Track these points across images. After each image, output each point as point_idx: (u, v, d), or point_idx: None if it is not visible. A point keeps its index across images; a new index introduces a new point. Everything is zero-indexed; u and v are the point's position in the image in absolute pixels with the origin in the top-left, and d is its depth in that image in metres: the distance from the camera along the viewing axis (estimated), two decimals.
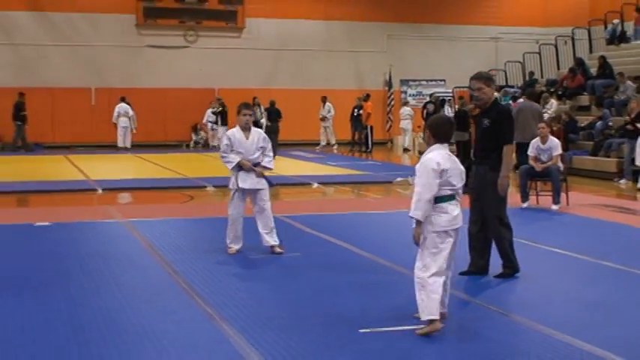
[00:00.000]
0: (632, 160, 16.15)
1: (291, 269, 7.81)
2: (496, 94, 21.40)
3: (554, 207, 12.04)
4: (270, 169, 8.47)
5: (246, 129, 8.41)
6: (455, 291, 6.31)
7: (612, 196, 14.37)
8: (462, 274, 7.21)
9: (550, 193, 12.27)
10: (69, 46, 27.56)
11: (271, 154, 8.56)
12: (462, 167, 5.72)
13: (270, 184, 8.56)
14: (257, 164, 8.36)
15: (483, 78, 7.35)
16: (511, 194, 13.43)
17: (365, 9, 30.08)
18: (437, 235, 5.54)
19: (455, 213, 5.60)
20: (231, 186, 8.43)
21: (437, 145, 5.70)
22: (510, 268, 7.40)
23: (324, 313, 6.10)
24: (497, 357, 5.09)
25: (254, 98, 26.43)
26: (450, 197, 5.60)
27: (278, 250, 8.37)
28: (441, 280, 5.51)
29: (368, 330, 5.56)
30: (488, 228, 7.33)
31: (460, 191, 5.71)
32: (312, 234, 9.82)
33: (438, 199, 5.56)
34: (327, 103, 28.28)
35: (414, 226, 5.55)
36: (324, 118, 28.47)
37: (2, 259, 8.30)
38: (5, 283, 7.12)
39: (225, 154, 8.37)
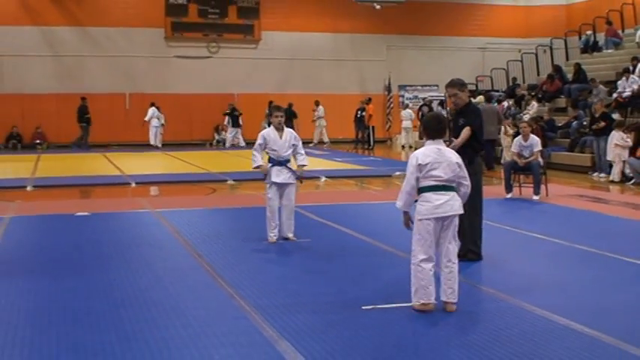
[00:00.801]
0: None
1: (303, 253, 7.81)
2: (481, 97, 21.39)
3: (535, 197, 11.99)
4: (305, 165, 8.39)
5: (279, 129, 8.30)
6: None
7: (587, 188, 14.29)
8: None
9: (531, 185, 12.22)
10: (105, 56, 27.54)
11: (303, 151, 8.44)
12: (452, 159, 5.50)
13: (300, 180, 8.42)
14: (288, 160, 8.29)
15: (457, 84, 7.22)
16: (496, 187, 13.54)
17: (367, 23, 29.94)
18: (420, 223, 5.41)
19: (437, 202, 5.37)
20: (266, 180, 8.36)
21: (429, 142, 5.60)
22: (475, 254, 7.22)
23: (331, 291, 6.07)
24: (486, 329, 5.07)
25: (270, 102, 26.43)
26: (434, 187, 5.41)
27: (292, 238, 8.35)
28: (428, 266, 5.36)
29: (370, 307, 5.53)
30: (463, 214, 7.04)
31: (462, 180, 5.52)
32: (321, 222, 9.79)
33: (421, 190, 5.45)
34: (320, 106, 28.17)
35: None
36: (316, 119, 28.28)
37: (47, 246, 8.31)
38: (49, 266, 7.13)
39: (255, 152, 8.29)
